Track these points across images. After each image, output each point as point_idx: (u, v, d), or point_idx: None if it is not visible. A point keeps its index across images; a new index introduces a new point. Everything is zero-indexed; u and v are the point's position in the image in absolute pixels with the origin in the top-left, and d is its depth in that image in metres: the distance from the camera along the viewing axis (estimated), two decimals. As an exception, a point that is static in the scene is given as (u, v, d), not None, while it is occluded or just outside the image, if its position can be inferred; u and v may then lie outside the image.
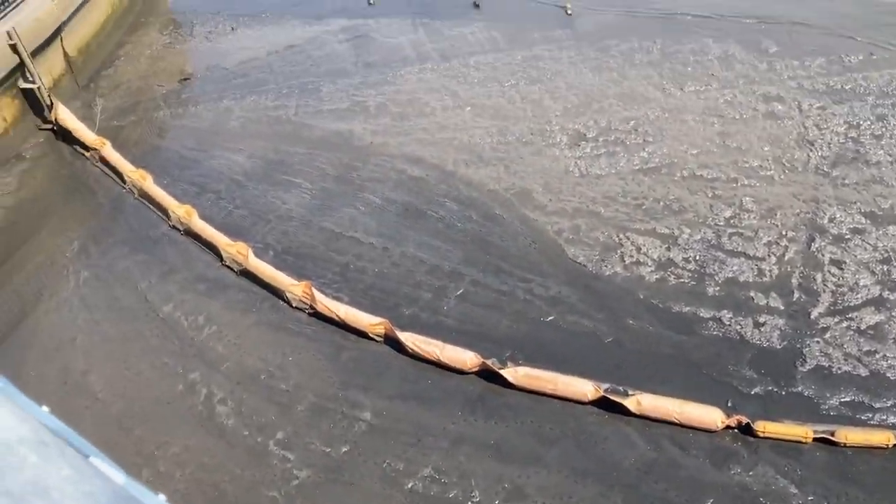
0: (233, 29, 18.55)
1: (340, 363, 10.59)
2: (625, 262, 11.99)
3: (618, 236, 12.43)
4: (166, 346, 10.88)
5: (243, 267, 11.94)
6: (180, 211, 12.86)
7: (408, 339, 10.57)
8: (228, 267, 12.10)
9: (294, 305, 11.37)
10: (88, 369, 10.58)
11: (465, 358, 10.31)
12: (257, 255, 12.10)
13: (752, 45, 17.06)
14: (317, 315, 11.21)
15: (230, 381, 10.36)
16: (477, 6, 18.54)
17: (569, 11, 18.10)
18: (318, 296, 11.19)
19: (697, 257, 12.04)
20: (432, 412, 9.90)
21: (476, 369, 10.32)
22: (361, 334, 10.88)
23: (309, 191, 13.66)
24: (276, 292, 11.59)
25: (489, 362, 10.28)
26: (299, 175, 14.04)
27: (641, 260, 12.02)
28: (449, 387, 10.23)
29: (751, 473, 9.14)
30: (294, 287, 11.35)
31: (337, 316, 10.99)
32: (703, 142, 14.34)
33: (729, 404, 9.95)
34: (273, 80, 16.69)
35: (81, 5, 16.64)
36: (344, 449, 9.49)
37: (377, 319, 10.81)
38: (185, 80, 16.96)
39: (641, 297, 11.44)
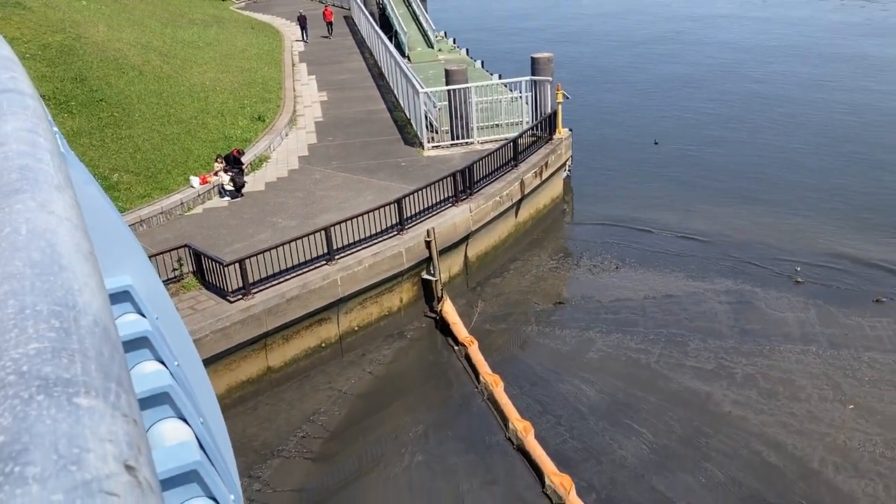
0: (617, 268, 19.27)
1: None
2: None
3: None
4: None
5: (563, 502, 11.50)
6: (519, 425, 13.04)
7: None
8: (547, 495, 11.75)
9: (602, 561, 10.50)
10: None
11: None
12: (579, 493, 11.60)
13: None
14: (623, 581, 10.18)
15: None
16: (881, 301, 16.85)
17: None
18: (631, 561, 10.20)
19: None
20: None
21: None
22: None
23: (649, 444, 12.96)
24: (585, 540, 10.87)
25: None
26: (644, 424, 13.46)
27: None
28: None
29: None
30: (607, 542, 10.54)
31: (645, 591, 9.84)
32: None
33: None
34: (642, 323, 16.70)
35: (491, 221, 18.78)
36: None
37: None
38: (560, 303, 17.81)
39: None
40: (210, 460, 1.54)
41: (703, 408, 13.84)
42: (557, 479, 11.78)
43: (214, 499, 1.48)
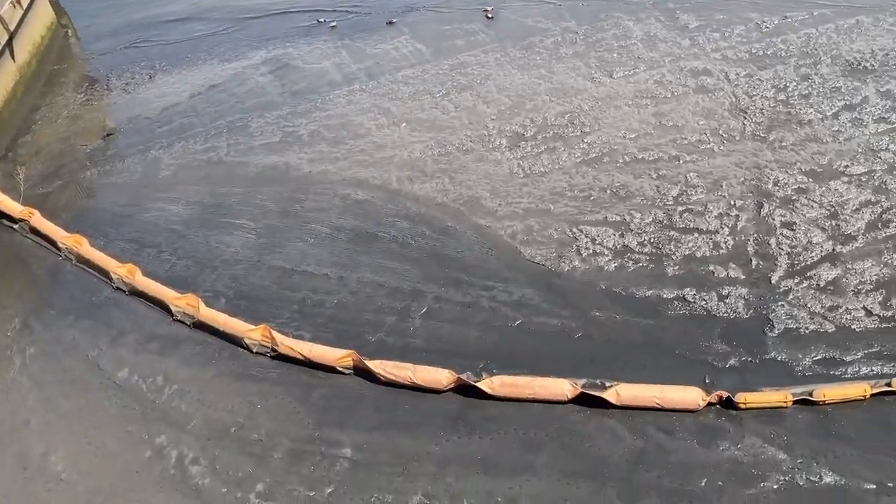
0: (150, 77, 18.08)
1: (312, 403, 10.26)
2: (582, 255, 11.93)
3: (571, 231, 12.37)
4: (127, 413, 10.40)
5: (196, 319, 11.52)
6: (122, 271, 12.39)
7: (378, 366, 10.30)
8: (181, 321, 11.66)
9: (255, 351, 10.99)
10: (48, 450, 10.04)
11: (440, 376, 10.08)
12: (208, 304, 11.70)
13: (671, 22, 17.28)
14: (280, 357, 10.85)
15: (199, 440, 9.94)
16: (392, 23, 18.39)
17: (489, 15, 18.14)
18: (279, 337, 10.84)
19: (652, 240, 12.04)
20: (414, 437, 9.64)
21: (452, 386, 10.10)
22: (330, 369, 10.57)
23: (253, 230, 13.29)
24: (233, 340, 11.19)
25: (464, 377, 10.07)
26: (240, 216, 13.66)
27: (598, 251, 11.96)
28: (427, 408, 9.99)
29: (739, 447, 9.09)
30: (252, 332, 10.99)
31: (301, 355, 10.65)
32: (640, 125, 14.41)
33: (707, 381, 9.92)
34: (199, 122, 16.27)
35: (-12, 74, 16.04)
36: (329, 490, 9.17)
37: (343, 352, 10.52)
38: (109, 135, 16.43)
39: (603, 287, 11.37)
40: None
41: (287, 177, 14.39)
42: (182, 301, 11.67)
43: None
